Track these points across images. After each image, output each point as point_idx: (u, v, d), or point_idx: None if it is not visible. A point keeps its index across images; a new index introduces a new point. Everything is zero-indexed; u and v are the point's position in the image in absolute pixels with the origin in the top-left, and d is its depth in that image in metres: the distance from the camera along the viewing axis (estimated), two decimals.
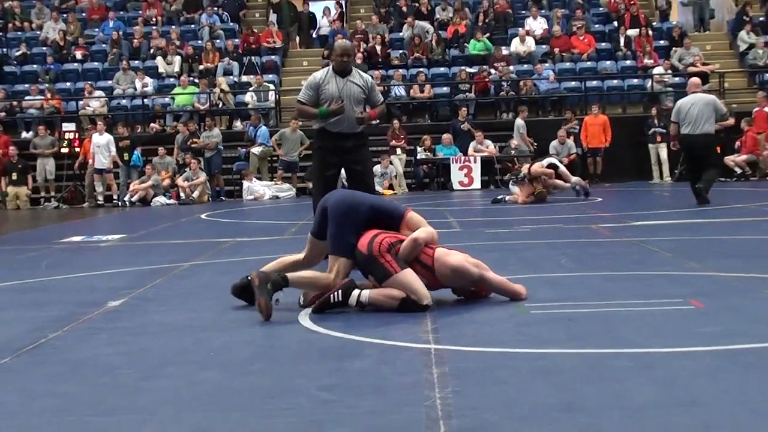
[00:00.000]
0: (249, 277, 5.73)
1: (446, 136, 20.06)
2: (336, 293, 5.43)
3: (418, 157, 20.02)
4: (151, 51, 23.37)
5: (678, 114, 12.96)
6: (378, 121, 7.89)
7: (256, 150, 19.97)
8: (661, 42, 22.71)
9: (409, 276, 5.50)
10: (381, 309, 5.46)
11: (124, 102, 22.29)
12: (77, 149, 20.19)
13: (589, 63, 22.28)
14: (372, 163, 8.66)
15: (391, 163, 19.38)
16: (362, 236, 5.60)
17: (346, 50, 7.97)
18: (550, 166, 15.22)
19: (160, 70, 22.78)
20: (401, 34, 23.46)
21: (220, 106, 21.70)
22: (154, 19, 24.55)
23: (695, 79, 14.13)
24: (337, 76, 7.83)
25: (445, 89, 21.95)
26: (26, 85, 22.69)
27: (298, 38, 25.17)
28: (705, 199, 12.56)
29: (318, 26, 24.99)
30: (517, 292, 5.80)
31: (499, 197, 15.23)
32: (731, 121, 19.52)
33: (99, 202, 19.50)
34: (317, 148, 8.11)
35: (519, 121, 19.94)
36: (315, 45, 24.04)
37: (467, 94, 21.48)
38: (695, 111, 12.82)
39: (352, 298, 5.44)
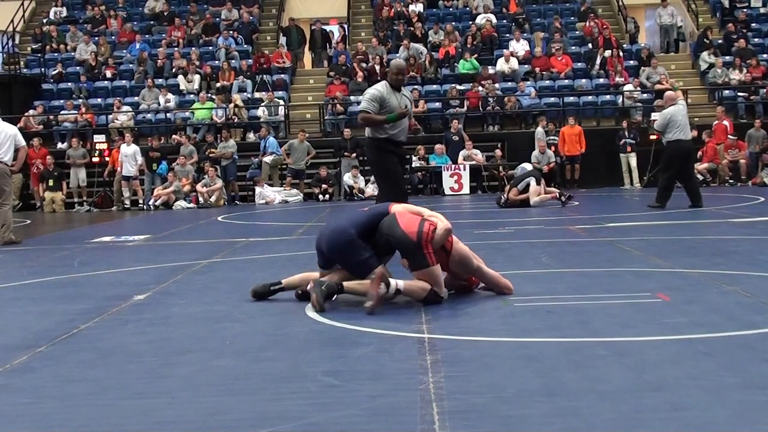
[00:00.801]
0: (273, 286, 5.85)
1: (439, 147, 20.06)
2: (382, 288, 5.23)
3: (413, 165, 20.01)
4: (173, 70, 23.34)
5: (674, 123, 12.77)
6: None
7: (267, 159, 19.97)
8: (631, 62, 22.70)
9: (438, 270, 5.47)
10: (410, 296, 5.41)
11: (149, 116, 22.28)
12: (107, 158, 20.18)
13: (566, 81, 22.26)
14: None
15: None
16: (408, 222, 5.40)
17: (401, 69, 8.25)
18: (527, 188, 14.91)
19: (181, 87, 22.74)
20: (398, 55, 23.43)
21: (235, 120, 21.67)
22: (176, 42, 24.53)
23: (672, 93, 14.12)
24: (394, 91, 8.08)
25: (438, 104, 21.93)
26: (62, 101, 22.67)
27: (312, 55, 25.12)
28: (700, 199, 12.72)
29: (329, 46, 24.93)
30: (506, 286, 5.78)
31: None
32: (694, 132, 19.60)
33: (126, 206, 19.47)
34: (388, 152, 8.19)
35: (539, 130, 19.65)
36: (333, 61, 23.83)
37: (457, 108, 21.46)
38: (684, 119, 12.90)
39: (392, 288, 5.30)
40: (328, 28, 26.10)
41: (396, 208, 5.68)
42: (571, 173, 19.83)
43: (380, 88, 8.17)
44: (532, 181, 14.72)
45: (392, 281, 5.30)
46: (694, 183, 13.28)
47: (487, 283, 5.83)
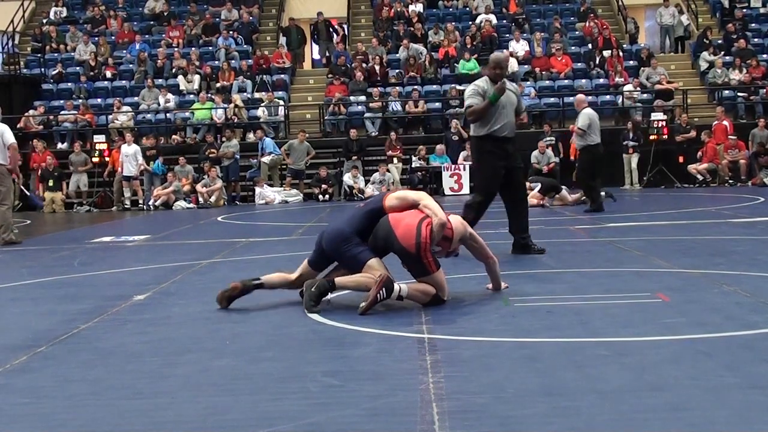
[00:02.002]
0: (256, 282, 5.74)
1: (439, 147, 20.07)
2: (381, 292, 5.20)
3: (413, 165, 20.03)
4: (173, 70, 23.33)
5: (594, 125, 12.99)
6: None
7: (266, 159, 19.97)
8: (631, 62, 22.69)
9: (441, 275, 5.45)
10: (413, 301, 5.37)
11: (149, 116, 22.29)
12: (107, 159, 20.18)
13: (566, 81, 22.26)
14: None
15: (388, 170, 19.38)
16: (405, 233, 5.32)
17: (497, 62, 8.03)
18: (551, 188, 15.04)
19: (181, 87, 22.74)
20: (398, 55, 23.43)
21: (235, 120, 21.68)
22: (175, 42, 24.53)
23: (582, 96, 14.30)
24: (494, 85, 7.94)
25: (437, 105, 21.94)
26: (62, 101, 22.67)
27: (318, 46, 25.03)
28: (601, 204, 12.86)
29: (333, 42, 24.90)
30: (491, 257, 5.78)
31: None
32: (693, 133, 19.61)
33: (126, 206, 19.47)
34: (486, 152, 8.03)
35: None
36: (333, 60, 23.70)
37: (457, 109, 21.46)
38: (599, 123, 13.19)
39: (394, 293, 5.27)
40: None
41: (390, 202, 5.56)
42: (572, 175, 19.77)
43: (480, 83, 8.10)
44: (537, 187, 14.94)
45: (396, 286, 5.27)
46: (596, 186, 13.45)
47: (474, 252, 5.80)
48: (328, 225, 5.93)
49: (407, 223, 5.39)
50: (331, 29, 24.95)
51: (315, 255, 5.73)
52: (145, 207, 19.14)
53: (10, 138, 11.07)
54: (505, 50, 22.56)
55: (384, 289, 5.21)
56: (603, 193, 13.35)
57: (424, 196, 5.65)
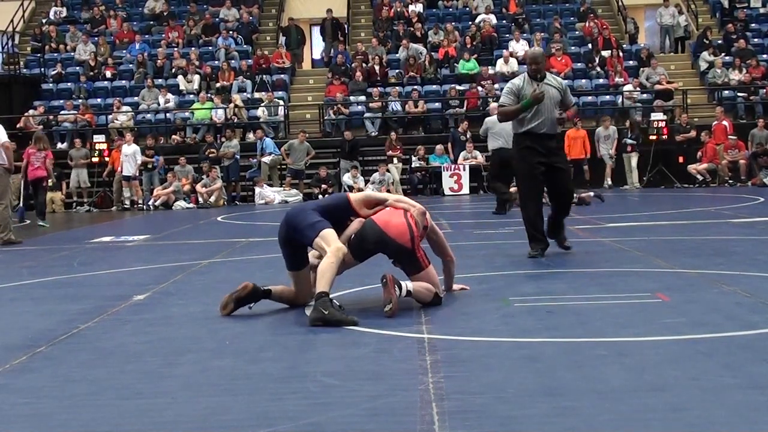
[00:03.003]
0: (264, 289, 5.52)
1: (439, 147, 20.07)
2: (396, 290, 5.14)
3: (413, 165, 20.03)
4: (173, 70, 23.33)
5: (493, 132, 13.34)
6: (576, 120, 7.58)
7: (266, 159, 19.98)
8: (631, 62, 22.69)
9: (434, 271, 5.46)
10: (418, 298, 5.32)
11: (148, 116, 22.28)
12: (107, 158, 20.18)
13: (566, 81, 22.14)
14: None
15: (388, 170, 19.37)
16: (398, 230, 5.29)
17: (533, 58, 7.90)
18: None
19: (181, 87, 22.74)
20: (397, 55, 23.42)
21: (235, 120, 21.68)
22: (175, 42, 24.53)
23: (495, 104, 14.47)
24: (533, 81, 7.75)
25: (437, 105, 21.94)
26: (61, 101, 22.66)
27: (318, 47, 25.00)
28: (507, 209, 13.08)
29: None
30: (450, 256, 5.77)
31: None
32: (693, 133, 19.63)
33: (126, 206, 19.47)
34: (523, 149, 7.81)
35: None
36: (332, 60, 23.67)
37: (457, 109, 21.47)
38: (508, 127, 13.06)
39: (403, 289, 5.23)
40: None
41: (356, 198, 5.50)
42: (575, 175, 19.76)
43: (517, 81, 7.90)
44: None
45: (402, 283, 5.26)
46: (506, 191, 13.66)
47: (433, 246, 5.80)
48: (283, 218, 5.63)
49: (396, 222, 5.37)
50: (338, 28, 24.89)
51: (286, 256, 5.52)
52: (144, 207, 19.14)
53: (3, 137, 11.04)
54: (507, 49, 22.62)
55: (397, 287, 5.18)
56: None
57: (389, 195, 5.71)
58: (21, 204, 16.81)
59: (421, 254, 5.41)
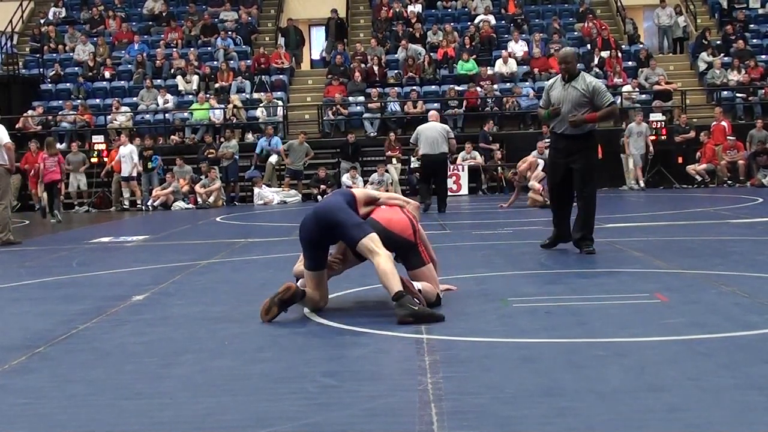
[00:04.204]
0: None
1: None
2: (418, 292, 5.14)
3: (412, 165, 20.01)
4: (172, 71, 23.32)
5: (422, 138, 14.06)
6: (609, 121, 7.42)
7: (273, 159, 19.95)
8: (630, 63, 22.69)
9: (433, 268, 5.48)
10: (426, 298, 5.22)
11: (147, 117, 22.28)
12: (105, 159, 20.18)
13: None
14: (596, 166, 8.20)
15: (387, 171, 19.37)
16: (400, 225, 5.33)
17: (564, 58, 7.93)
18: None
19: (180, 87, 22.73)
20: (396, 55, 23.42)
21: (234, 120, 21.68)
22: (174, 43, 24.53)
23: (434, 112, 15.52)
24: (563, 82, 7.77)
25: (436, 105, 21.89)
26: (60, 102, 22.65)
27: (325, 43, 25.03)
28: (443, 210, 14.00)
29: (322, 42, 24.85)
30: (433, 259, 5.63)
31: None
32: (692, 134, 19.63)
33: (125, 207, 19.47)
34: (551, 147, 8.09)
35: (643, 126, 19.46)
36: (332, 61, 23.66)
37: (456, 109, 21.47)
38: (433, 135, 14.07)
39: (417, 287, 5.23)
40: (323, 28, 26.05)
41: (357, 196, 5.48)
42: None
43: (552, 80, 8.07)
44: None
45: (414, 283, 5.27)
46: (443, 191, 14.52)
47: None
48: (308, 215, 5.46)
49: (397, 218, 5.43)
50: (342, 28, 24.86)
51: (313, 256, 5.34)
52: (143, 207, 19.13)
53: (5, 138, 11.06)
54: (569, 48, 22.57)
55: (419, 289, 5.19)
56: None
57: (381, 193, 5.79)
58: (42, 203, 17.52)
59: (422, 249, 5.43)
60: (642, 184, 19.09)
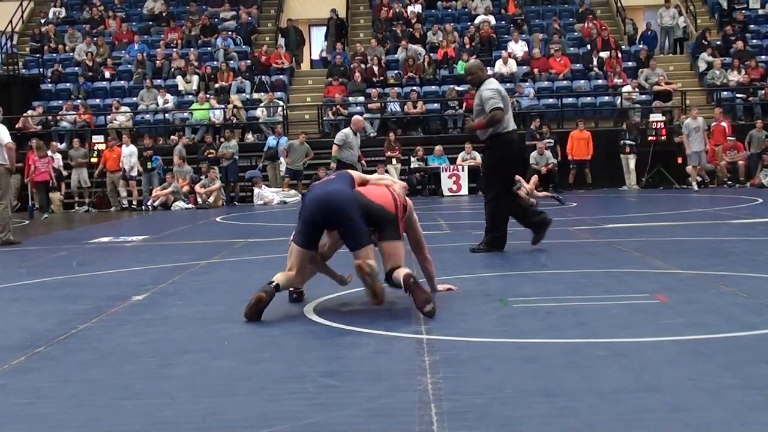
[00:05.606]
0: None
1: (438, 148, 20.06)
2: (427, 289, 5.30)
3: (412, 166, 20.03)
4: (172, 71, 23.33)
5: (347, 143, 14.09)
6: (490, 128, 7.63)
7: (282, 167, 19.90)
8: (629, 63, 22.69)
9: (401, 247, 5.44)
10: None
11: (147, 116, 22.28)
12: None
13: (565, 82, 22.26)
14: (499, 166, 8.44)
15: (386, 171, 19.36)
16: (382, 199, 5.41)
17: (468, 69, 8.53)
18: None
19: (180, 87, 22.74)
20: (396, 55, 23.43)
21: (234, 120, 21.68)
22: (174, 43, 24.53)
23: (358, 117, 15.65)
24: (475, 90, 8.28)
25: (436, 105, 21.94)
26: (60, 102, 22.66)
27: (325, 44, 25.04)
28: None
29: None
30: (426, 256, 5.85)
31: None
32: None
33: (124, 207, 19.47)
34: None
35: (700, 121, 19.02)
36: (331, 61, 23.65)
37: (456, 110, 21.47)
38: (355, 141, 14.34)
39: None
40: (322, 28, 26.03)
41: (355, 177, 5.72)
42: (575, 177, 19.81)
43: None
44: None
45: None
46: None
47: (411, 240, 5.82)
48: (313, 194, 5.55)
49: (380, 193, 5.51)
50: (342, 28, 24.86)
51: (311, 235, 5.42)
52: (143, 207, 19.13)
53: (6, 138, 11.06)
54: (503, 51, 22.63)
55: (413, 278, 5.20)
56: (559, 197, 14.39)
57: (371, 176, 6.00)
58: (32, 203, 18.08)
59: (401, 226, 5.46)
60: (695, 186, 18.51)
